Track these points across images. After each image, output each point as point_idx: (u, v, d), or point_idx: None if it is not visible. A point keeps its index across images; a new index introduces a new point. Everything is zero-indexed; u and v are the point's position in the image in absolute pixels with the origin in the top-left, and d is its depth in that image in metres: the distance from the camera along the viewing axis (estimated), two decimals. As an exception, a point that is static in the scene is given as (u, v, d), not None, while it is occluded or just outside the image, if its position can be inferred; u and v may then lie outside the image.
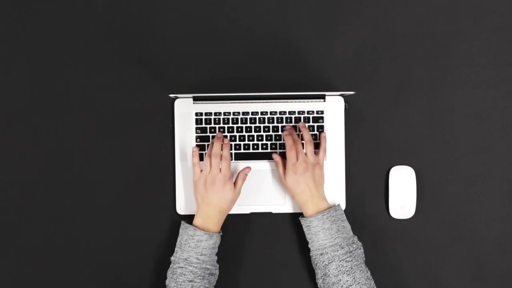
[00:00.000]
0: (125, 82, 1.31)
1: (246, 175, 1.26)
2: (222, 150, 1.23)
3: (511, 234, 1.31)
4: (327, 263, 1.18)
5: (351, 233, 1.22)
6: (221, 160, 1.22)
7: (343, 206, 1.30)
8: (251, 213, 1.30)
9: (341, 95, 1.29)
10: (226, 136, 1.28)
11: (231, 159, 1.28)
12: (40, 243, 1.30)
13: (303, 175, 1.22)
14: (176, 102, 1.30)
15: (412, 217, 1.30)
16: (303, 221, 1.24)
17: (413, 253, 1.30)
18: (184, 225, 1.22)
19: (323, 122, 1.30)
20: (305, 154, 1.23)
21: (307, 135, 1.25)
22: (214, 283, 1.22)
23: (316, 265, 1.21)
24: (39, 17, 1.32)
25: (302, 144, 1.25)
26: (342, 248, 1.18)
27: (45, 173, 1.31)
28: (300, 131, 1.28)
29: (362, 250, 1.22)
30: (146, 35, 1.32)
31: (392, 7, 1.32)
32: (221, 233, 1.24)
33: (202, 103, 1.29)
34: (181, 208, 1.29)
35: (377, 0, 1.32)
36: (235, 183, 1.24)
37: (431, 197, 1.30)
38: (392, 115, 1.32)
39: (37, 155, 1.31)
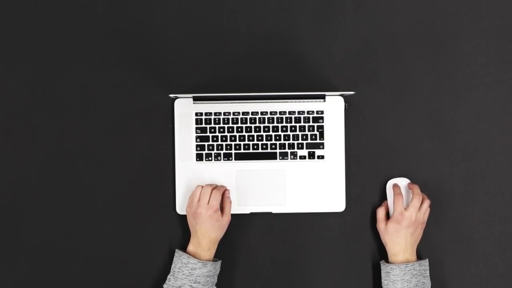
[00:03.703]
0: (125, 82, 1.31)
1: (229, 197, 1.26)
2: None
3: (511, 234, 1.31)
4: None
5: None
6: (213, 189, 1.23)
7: (343, 207, 1.30)
8: (251, 213, 1.30)
9: (341, 95, 1.29)
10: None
11: (232, 159, 1.29)
12: (40, 243, 1.30)
13: (406, 229, 1.22)
14: (176, 102, 1.30)
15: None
16: (384, 266, 1.23)
17: (413, 253, 1.30)
18: (178, 252, 1.22)
19: (323, 122, 1.30)
20: (417, 209, 1.23)
21: (426, 199, 1.25)
22: None
23: None
24: (39, 17, 1.32)
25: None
26: None
27: (45, 173, 1.31)
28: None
29: None
30: (146, 35, 1.32)
31: (392, 7, 1.32)
32: (219, 261, 1.23)
33: (202, 103, 1.29)
34: (181, 208, 1.29)
35: (377, 0, 1.32)
36: (222, 210, 1.24)
37: (431, 197, 1.29)
38: (392, 115, 1.32)
39: (37, 155, 1.31)
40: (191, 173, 1.29)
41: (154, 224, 1.31)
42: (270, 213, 1.30)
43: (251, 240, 1.31)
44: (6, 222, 1.31)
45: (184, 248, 1.25)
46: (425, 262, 1.23)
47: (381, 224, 1.26)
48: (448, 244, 1.31)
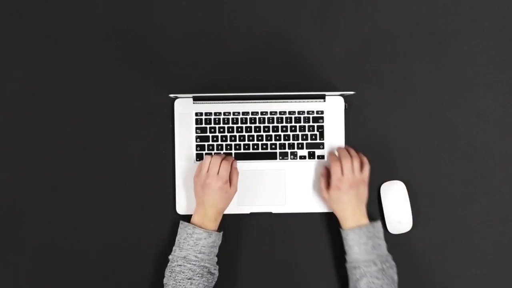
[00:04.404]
0: (125, 82, 1.31)
1: (237, 168, 1.26)
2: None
3: (511, 234, 1.31)
4: (358, 277, 1.18)
5: (386, 252, 1.21)
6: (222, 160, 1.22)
7: (343, 206, 1.30)
8: (251, 213, 1.30)
9: (341, 95, 1.29)
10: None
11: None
12: (40, 243, 1.30)
13: (347, 192, 1.21)
14: (176, 102, 1.30)
15: (413, 216, 1.29)
16: (341, 232, 1.23)
17: (413, 252, 1.29)
18: (183, 224, 1.22)
19: (323, 122, 1.30)
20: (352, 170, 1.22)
21: (353, 151, 1.25)
22: (213, 283, 1.22)
23: (349, 277, 1.21)
24: (39, 17, 1.32)
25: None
26: (375, 265, 1.17)
27: (45, 173, 1.31)
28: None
29: (395, 270, 1.20)
30: (146, 35, 1.32)
31: (392, 7, 1.32)
32: (221, 232, 1.24)
33: (202, 103, 1.29)
34: (181, 208, 1.30)
35: (377, 0, 1.32)
36: (230, 181, 1.24)
37: (432, 197, 1.30)
38: (392, 115, 1.32)
39: (37, 155, 1.31)
40: (191, 173, 1.29)
41: (154, 224, 1.31)
42: (270, 213, 1.30)
43: (251, 240, 1.31)
44: (6, 222, 1.31)
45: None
46: (378, 224, 1.22)
47: (324, 194, 1.25)
48: (448, 244, 1.31)
